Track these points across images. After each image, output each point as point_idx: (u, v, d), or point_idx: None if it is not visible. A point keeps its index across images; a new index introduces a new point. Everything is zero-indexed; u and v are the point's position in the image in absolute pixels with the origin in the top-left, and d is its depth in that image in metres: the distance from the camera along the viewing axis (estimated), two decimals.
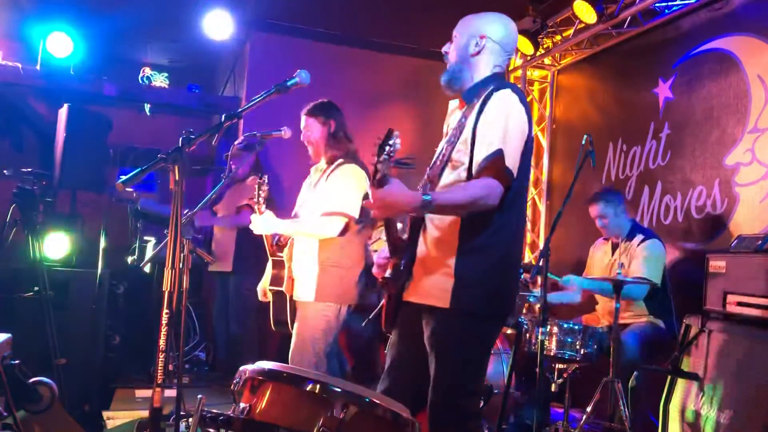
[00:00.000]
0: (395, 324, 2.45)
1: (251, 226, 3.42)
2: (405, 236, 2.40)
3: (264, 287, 3.67)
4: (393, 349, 2.46)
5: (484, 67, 2.41)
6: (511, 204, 2.26)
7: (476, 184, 2.19)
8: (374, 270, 2.53)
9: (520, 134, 2.27)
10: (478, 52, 2.40)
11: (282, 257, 3.50)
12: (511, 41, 2.46)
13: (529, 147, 2.31)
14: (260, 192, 3.38)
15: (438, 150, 2.47)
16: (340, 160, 3.39)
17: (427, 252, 2.33)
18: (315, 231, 3.35)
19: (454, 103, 2.53)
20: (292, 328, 3.48)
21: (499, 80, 2.39)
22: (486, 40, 2.40)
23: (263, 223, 3.36)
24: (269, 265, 3.62)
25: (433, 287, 2.29)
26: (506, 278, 2.35)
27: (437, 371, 2.29)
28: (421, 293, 2.33)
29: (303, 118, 3.48)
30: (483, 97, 2.31)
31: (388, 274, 2.38)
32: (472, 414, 2.32)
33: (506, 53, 2.46)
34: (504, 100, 2.26)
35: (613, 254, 4.31)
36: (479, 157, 2.22)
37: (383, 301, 2.49)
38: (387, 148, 2.10)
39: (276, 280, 3.53)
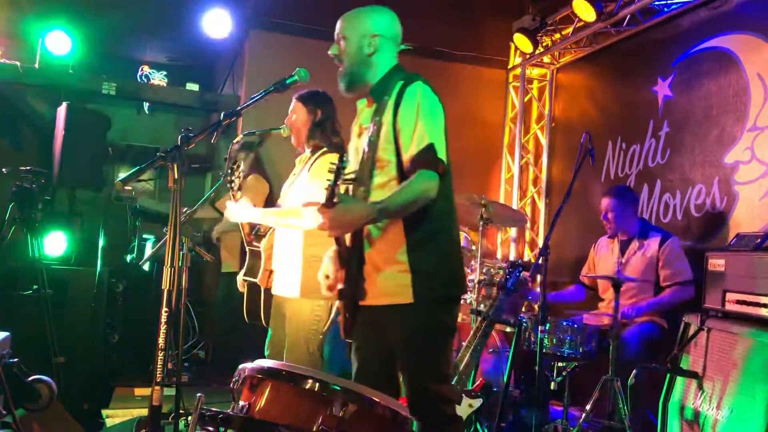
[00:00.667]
0: (354, 330, 2.45)
1: (226, 213, 3.35)
2: (348, 242, 2.39)
3: (241, 278, 3.63)
4: (357, 354, 2.47)
5: (382, 64, 2.44)
6: (444, 188, 2.32)
7: (417, 181, 2.24)
8: (324, 290, 2.51)
9: (441, 123, 2.34)
10: (374, 52, 2.42)
11: (258, 248, 3.46)
12: (399, 31, 2.50)
13: (446, 132, 2.37)
14: (234, 178, 3.26)
15: (356, 149, 2.48)
16: (324, 149, 3.33)
17: (375, 253, 2.35)
18: (292, 221, 3.22)
19: (362, 102, 2.53)
20: (265, 322, 3.46)
21: (403, 73, 2.44)
22: (378, 38, 2.42)
23: (238, 210, 3.27)
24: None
25: (392, 286, 2.31)
26: (457, 260, 2.42)
27: (412, 364, 2.32)
28: (379, 295, 2.34)
29: (293, 101, 3.45)
30: (395, 92, 2.34)
31: (341, 286, 2.37)
32: (448, 399, 2.36)
33: (397, 44, 2.50)
34: (419, 93, 2.32)
35: (623, 254, 4.29)
36: (412, 152, 2.27)
37: (336, 309, 2.48)
38: (341, 173, 2.13)
39: (251, 271, 3.49)
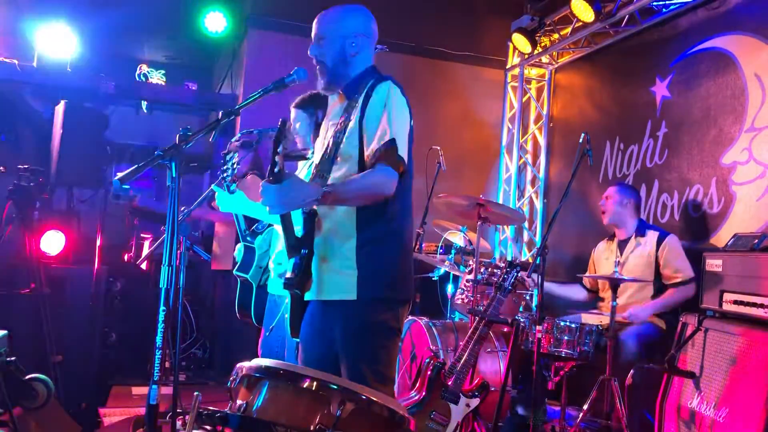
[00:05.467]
0: (301, 328, 2.44)
1: (217, 203, 3.31)
2: (299, 232, 2.37)
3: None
4: (302, 354, 2.46)
5: (361, 63, 2.45)
6: (402, 190, 2.32)
7: (373, 173, 2.24)
8: (273, 275, 2.48)
9: (407, 124, 2.34)
10: (358, 52, 2.42)
11: (252, 244, 3.47)
12: (376, 30, 2.50)
13: (411, 135, 2.38)
14: (227, 168, 3.13)
15: (322, 144, 2.49)
16: None
17: (325, 246, 2.35)
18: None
19: (333, 99, 2.55)
20: (256, 321, 3.45)
21: (376, 73, 2.45)
22: (361, 38, 2.42)
23: (230, 201, 3.17)
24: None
25: (338, 281, 2.31)
26: (405, 264, 2.40)
27: (350, 360, 2.31)
28: (325, 290, 2.34)
29: (292, 111, 3.45)
30: (365, 91, 2.36)
31: (289, 275, 2.34)
32: None
33: (374, 42, 2.50)
34: (388, 93, 2.32)
35: (621, 253, 4.30)
36: (372, 147, 2.27)
37: (287, 305, 2.46)
38: (283, 141, 2.09)
39: (244, 267, 3.49)
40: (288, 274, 2.35)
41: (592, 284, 4.57)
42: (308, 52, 2.45)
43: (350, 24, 2.42)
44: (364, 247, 2.30)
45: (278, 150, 2.09)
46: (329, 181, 2.35)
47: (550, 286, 4.44)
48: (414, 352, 4.40)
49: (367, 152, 2.29)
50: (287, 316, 2.49)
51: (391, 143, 2.24)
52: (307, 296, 2.40)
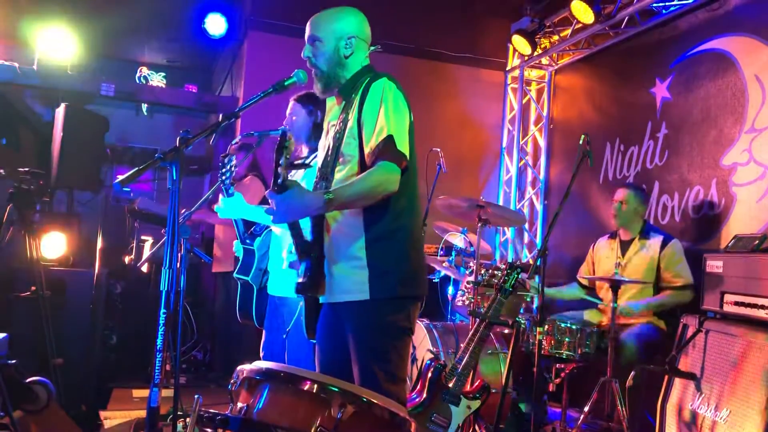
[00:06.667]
0: (316, 330, 2.45)
1: (216, 208, 3.31)
2: (309, 236, 2.37)
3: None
4: (318, 356, 2.46)
5: (355, 64, 2.45)
6: (407, 186, 2.32)
7: (374, 171, 2.22)
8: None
9: (405, 119, 2.34)
10: (352, 53, 2.42)
11: (252, 247, 3.47)
12: (369, 31, 2.51)
13: (411, 130, 2.37)
14: (226, 171, 3.13)
15: (324, 146, 2.50)
16: None
17: (335, 248, 2.35)
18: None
19: (331, 100, 2.55)
20: (258, 323, 3.45)
21: (371, 71, 2.45)
22: (355, 39, 2.42)
23: (231, 206, 3.16)
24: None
25: (350, 282, 2.31)
26: (417, 260, 2.39)
27: (362, 361, 2.30)
28: (338, 291, 2.34)
29: (291, 103, 3.45)
30: (361, 89, 2.36)
31: (301, 280, 2.34)
32: (400, 401, 2.32)
33: (368, 44, 2.51)
34: (383, 89, 2.32)
35: (623, 254, 4.29)
36: (371, 144, 2.26)
37: (301, 308, 2.46)
38: (285, 151, 2.09)
39: (244, 269, 3.49)
40: (300, 279, 2.35)
41: (590, 284, 4.57)
42: (302, 54, 2.45)
43: (343, 25, 2.42)
44: (374, 245, 2.30)
45: (280, 161, 2.08)
46: (333, 182, 2.34)
47: (549, 292, 4.45)
48: (414, 354, 4.39)
49: (367, 150, 2.28)
50: (303, 318, 2.49)
51: (389, 139, 2.24)
52: (321, 299, 2.40)
